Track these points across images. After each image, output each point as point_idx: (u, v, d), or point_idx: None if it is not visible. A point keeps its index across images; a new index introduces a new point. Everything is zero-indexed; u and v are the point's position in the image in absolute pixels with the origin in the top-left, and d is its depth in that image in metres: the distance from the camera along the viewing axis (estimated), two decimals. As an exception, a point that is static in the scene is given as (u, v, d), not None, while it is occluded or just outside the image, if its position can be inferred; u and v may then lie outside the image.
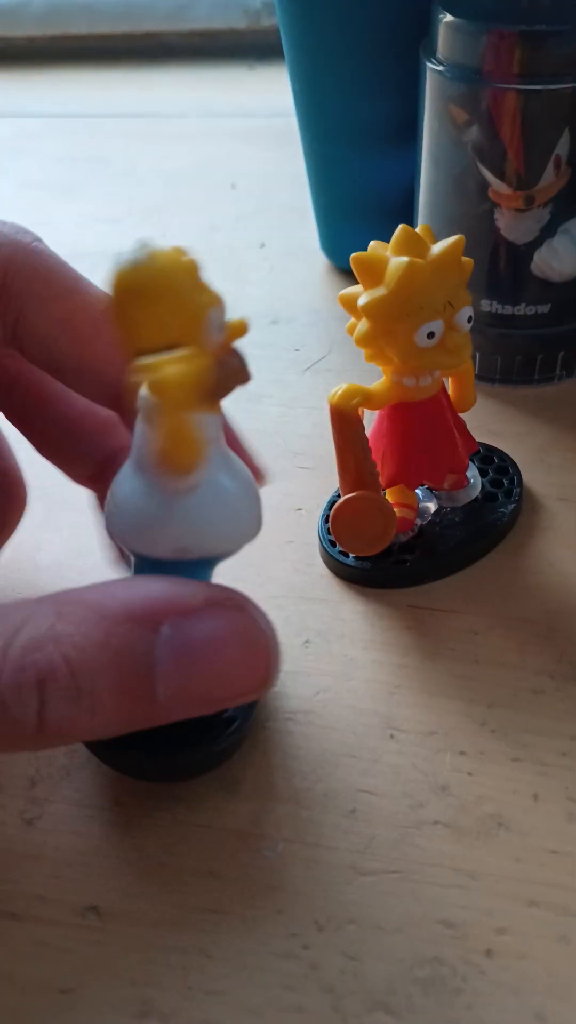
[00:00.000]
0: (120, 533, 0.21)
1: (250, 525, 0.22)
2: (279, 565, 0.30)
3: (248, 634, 0.20)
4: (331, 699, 0.26)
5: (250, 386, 0.28)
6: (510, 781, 0.23)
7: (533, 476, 0.32)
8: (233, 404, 0.21)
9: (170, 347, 0.19)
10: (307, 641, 0.27)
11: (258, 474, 0.26)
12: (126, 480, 0.21)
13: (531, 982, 0.20)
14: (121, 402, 0.23)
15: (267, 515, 0.30)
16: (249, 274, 0.46)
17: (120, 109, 0.66)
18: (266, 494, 0.32)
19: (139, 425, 0.20)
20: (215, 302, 0.20)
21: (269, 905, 0.21)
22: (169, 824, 0.23)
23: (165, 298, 0.19)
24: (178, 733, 0.22)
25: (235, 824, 0.23)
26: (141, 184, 0.55)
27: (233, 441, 0.26)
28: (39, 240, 0.24)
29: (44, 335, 0.23)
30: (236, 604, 0.20)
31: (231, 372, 0.20)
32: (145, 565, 0.21)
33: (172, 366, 0.19)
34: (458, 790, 0.23)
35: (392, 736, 0.25)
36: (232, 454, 0.22)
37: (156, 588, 0.20)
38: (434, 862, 0.22)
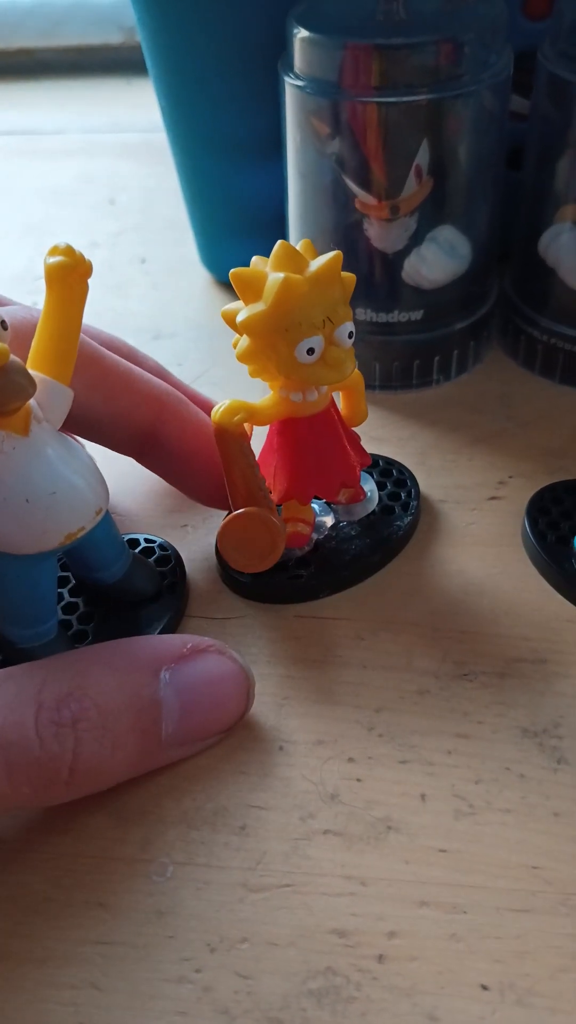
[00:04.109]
0: None
1: (40, 538, 0.23)
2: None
3: (233, 671, 0.24)
4: (220, 716, 0.25)
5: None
6: (398, 784, 0.24)
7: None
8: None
9: None
10: (194, 658, 0.27)
11: None
12: None
13: (423, 983, 0.20)
14: (146, 449, 0.28)
15: (152, 533, 0.30)
16: (131, 290, 0.45)
17: (-5, 127, 0.64)
18: (151, 513, 0.32)
19: None
20: None
21: (160, 931, 0.21)
22: (54, 857, 0.22)
23: None
24: None
25: (123, 851, 0.23)
26: (19, 202, 0.54)
27: None
28: None
29: (81, 399, 0.24)
30: (217, 649, 0.24)
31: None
32: None
33: None
34: (348, 797, 0.23)
35: (281, 748, 0.25)
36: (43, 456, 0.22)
37: (150, 642, 0.24)
38: (325, 872, 0.22)
